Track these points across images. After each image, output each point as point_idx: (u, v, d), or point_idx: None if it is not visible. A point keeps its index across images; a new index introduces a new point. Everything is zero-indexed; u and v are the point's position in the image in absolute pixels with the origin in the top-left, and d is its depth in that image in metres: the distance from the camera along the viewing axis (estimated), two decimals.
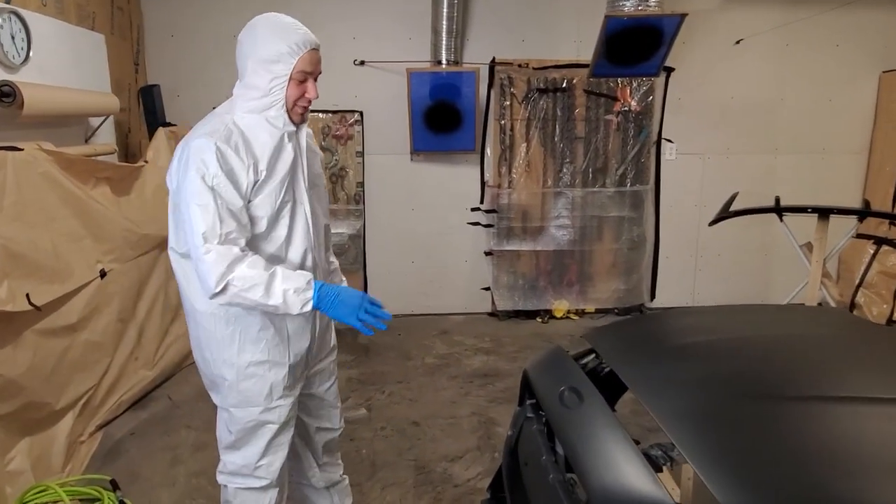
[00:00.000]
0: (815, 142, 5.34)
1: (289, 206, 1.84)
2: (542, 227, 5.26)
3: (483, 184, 5.25)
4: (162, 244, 4.00)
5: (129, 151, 4.65)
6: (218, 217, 1.65)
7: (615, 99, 5.07)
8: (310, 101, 1.83)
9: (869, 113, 5.33)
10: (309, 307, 1.71)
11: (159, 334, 3.96)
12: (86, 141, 3.92)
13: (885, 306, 5.11)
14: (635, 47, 4.54)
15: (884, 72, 5.23)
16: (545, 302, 5.34)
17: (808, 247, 4.16)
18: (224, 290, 1.66)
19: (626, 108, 5.08)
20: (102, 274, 3.29)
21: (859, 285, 5.21)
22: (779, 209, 4.17)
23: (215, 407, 2.04)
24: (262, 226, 1.78)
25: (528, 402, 1.98)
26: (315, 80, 1.82)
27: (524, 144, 5.14)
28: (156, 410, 3.69)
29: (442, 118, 4.98)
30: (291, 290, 1.68)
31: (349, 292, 1.74)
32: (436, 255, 5.35)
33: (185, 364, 4.25)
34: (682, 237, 5.42)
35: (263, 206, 1.77)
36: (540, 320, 5.29)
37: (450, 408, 3.75)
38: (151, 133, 4.24)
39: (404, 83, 4.84)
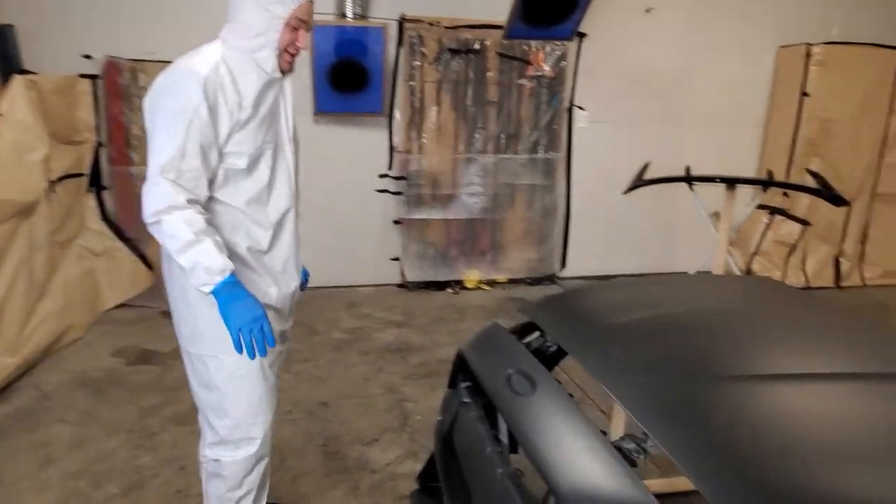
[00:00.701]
0: (718, 113, 5.45)
1: (271, 149, 1.82)
2: (453, 195, 5.07)
3: (392, 149, 4.97)
4: (24, 210, 3.45)
5: None
6: (182, 151, 1.62)
7: (528, 63, 4.92)
8: (298, 50, 1.79)
9: (767, 86, 5.50)
10: (207, 290, 1.64)
11: (23, 315, 3.44)
12: None
13: (777, 273, 5.37)
14: (550, 9, 4.39)
15: (781, 46, 5.41)
16: (456, 272, 5.18)
17: (716, 216, 4.23)
18: (154, 225, 1.64)
19: (539, 74, 4.95)
20: None
21: (755, 253, 5.44)
22: (689, 179, 4.21)
23: (183, 371, 1.97)
24: (242, 163, 1.76)
25: (463, 385, 1.79)
26: (307, 32, 1.80)
27: (435, 108, 4.90)
28: (21, 403, 3.20)
29: (347, 77, 4.63)
30: (203, 265, 1.61)
31: (251, 305, 1.66)
32: (342, 224, 5.03)
33: (56, 348, 3.74)
34: (593, 206, 5.41)
35: (245, 143, 1.75)
36: (451, 291, 5.14)
37: (362, 386, 3.52)
38: (6, 81, 3.62)
39: None
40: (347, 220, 5.02)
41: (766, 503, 1.00)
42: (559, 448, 1.20)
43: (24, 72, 3.71)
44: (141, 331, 4.16)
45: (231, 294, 1.63)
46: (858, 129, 5.26)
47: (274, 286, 1.89)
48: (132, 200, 4.51)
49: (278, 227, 1.88)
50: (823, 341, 1.55)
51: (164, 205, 1.61)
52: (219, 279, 1.62)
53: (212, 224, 1.70)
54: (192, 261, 1.61)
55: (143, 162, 4.37)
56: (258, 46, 1.72)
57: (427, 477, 2.01)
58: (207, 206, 1.75)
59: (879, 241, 5.58)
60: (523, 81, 4.97)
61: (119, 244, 4.42)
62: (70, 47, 4.24)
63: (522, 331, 1.88)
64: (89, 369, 3.58)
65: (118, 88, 4.34)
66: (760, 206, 4.58)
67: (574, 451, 1.19)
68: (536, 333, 1.75)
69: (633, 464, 1.19)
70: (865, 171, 5.40)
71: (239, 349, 1.63)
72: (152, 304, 4.51)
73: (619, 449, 1.21)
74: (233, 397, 1.87)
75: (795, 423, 1.22)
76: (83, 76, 4.23)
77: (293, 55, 1.79)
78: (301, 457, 2.82)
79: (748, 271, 5.38)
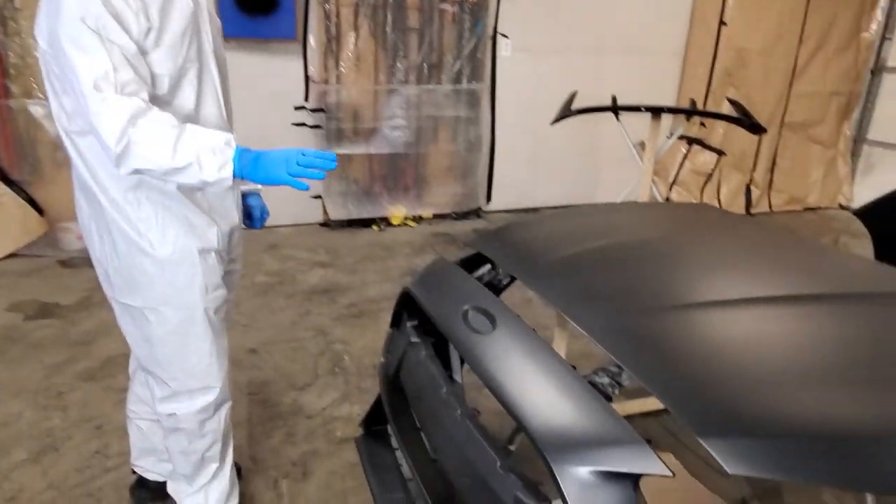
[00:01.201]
0: (640, 42, 5.42)
1: (194, 69, 1.53)
2: (376, 129, 4.85)
3: (307, 79, 4.65)
4: None
5: None
6: (111, 63, 1.34)
7: None
8: None
9: (686, 16, 5.50)
10: (228, 171, 1.40)
11: None
12: None
13: (693, 201, 5.53)
14: None
15: None
16: (381, 209, 5.02)
17: (641, 146, 4.25)
18: (126, 149, 1.35)
19: None
20: None
21: (673, 182, 5.57)
22: (616, 108, 4.19)
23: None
24: (163, 86, 1.47)
25: (409, 324, 1.69)
26: None
27: (352, 34, 4.59)
28: None
29: None
30: (207, 148, 1.38)
31: (276, 153, 1.43)
32: None
33: None
34: (517, 137, 5.32)
35: (165, 63, 1.46)
36: (376, 228, 4.98)
37: (290, 330, 3.36)
38: None
39: None
40: None
41: (743, 427, 0.96)
42: (530, 386, 1.13)
43: None
44: (38, 282, 3.79)
45: (254, 158, 1.42)
46: (771, 59, 5.39)
47: (213, 226, 1.66)
48: (15, 138, 4.03)
49: None
50: (776, 264, 1.54)
51: (123, 118, 1.33)
52: (231, 152, 1.40)
53: None
54: (193, 152, 1.36)
55: (25, 94, 3.94)
56: None
57: (372, 421, 1.93)
58: None
59: (786, 169, 5.85)
60: (445, 6, 4.73)
61: (3, 188, 3.96)
62: None
63: (466, 264, 1.78)
64: None
65: None
66: (682, 137, 4.65)
67: (546, 389, 1.11)
68: (487, 266, 1.65)
69: (608, 398, 1.13)
70: (776, 100, 5.57)
71: (302, 185, 1.43)
72: (48, 253, 4.12)
73: (592, 384, 1.14)
74: (180, 350, 1.68)
75: (758, 345, 1.20)
76: None
77: None
78: (232, 407, 2.66)
79: (667, 200, 5.51)
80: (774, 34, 5.30)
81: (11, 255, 4.02)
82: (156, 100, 1.45)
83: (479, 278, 1.62)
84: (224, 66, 1.69)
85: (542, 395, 1.10)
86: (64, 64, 1.37)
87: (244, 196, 1.88)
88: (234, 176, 1.41)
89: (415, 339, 1.63)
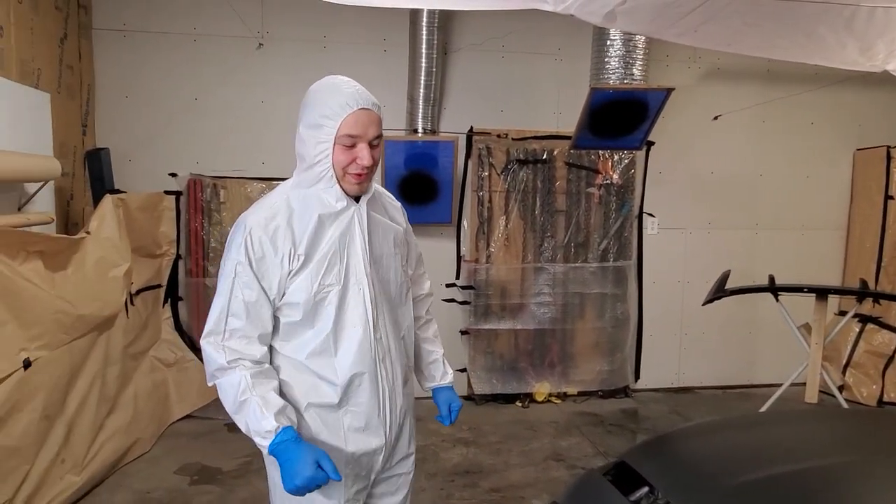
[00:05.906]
0: (794, 218, 5.28)
1: (335, 291, 1.60)
2: (522, 305, 4.95)
3: (459, 258, 4.94)
4: (102, 325, 3.51)
5: (71, 220, 4.18)
6: (227, 311, 1.55)
7: (597, 172, 4.90)
8: (364, 168, 1.57)
9: (845, 190, 5.31)
10: (264, 451, 1.55)
11: (92, 430, 3.41)
12: (19, 209, 3.46)
13: (874, 386, 4.94)
14: (619, 120, 4.40)
15: (858, 149, 5.26)
16: (525, 384, 4.97)
17: (806, 328, 3.96)
18: (214, 387, 1.59)
19: (607, 181, 4.92)
20: (26, 364, 2.79)
21: (847, 365, 5.05)
22: (774, 288, 4.00)
23: None
24: (296, 315, 1.59)
25: None
26: (371, 144, 1.57)
27: (503, 217, 4.89)
28: None
29: (417, 189, 4.71)
30: (251, 427, 1.51)
31: (303, 462, 1.46)
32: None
33: (120, 464, 3.68)
34: (666, 314, 5.19)
35: (298, 292, 1.57)
36: (520, 404, 4.91)
37: None
38: (97, 200, 3.81)
39: None
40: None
41: None
42: None
43: (114, 191, 3.90)
44: (206, 445, 4.09)
45: (283, 455, 1.48)
46: None
47: (343, 447, 1.65)
48: (206, 311, 4.57)
49: (355, 378, 1.64)
50: None
51: (210, 369, 1.58)
52: (264, 442, 1.50)
53: (266, 375, 1.58)
54: (243, 423, 1.53)
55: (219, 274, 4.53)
56: (314, 179, 1.58)
57: None
58: (272, 359, 1.65)
59: None
60: (592, 189, 4.93)
61: (190, 354, 4.45)
62: (157, 166, 4.48)
63: (616, 472, 1.70)
64: (153, 489, 3.49)
65: (200, 203, 4.51)
66: (854, 315, 4.29)
67: None
68: (644, 489, 1.56)
69: None
70: None
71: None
72: (218, 416, 4.46)
73: None
74: None
75: None
76: (168, 193, 4.43)
77: (359, 174, 1.57)
78: None
79: (842, 387, 4.96)
80: None
81: (187, 417, 4.41)
82: (293, 326, 1.60)
83: (636, 502, 1.53)
84: (382, 276, 1.70)
85: None
86: None
87: (433, 392, 1.95)
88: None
89: None
